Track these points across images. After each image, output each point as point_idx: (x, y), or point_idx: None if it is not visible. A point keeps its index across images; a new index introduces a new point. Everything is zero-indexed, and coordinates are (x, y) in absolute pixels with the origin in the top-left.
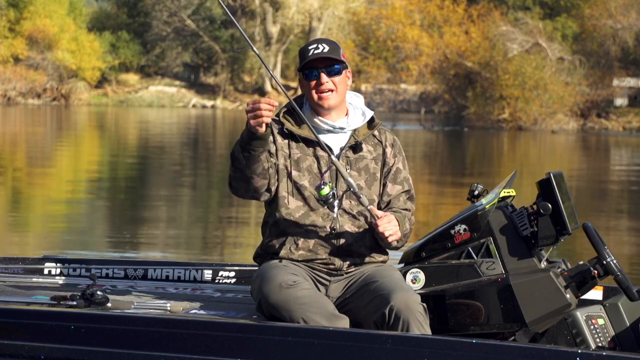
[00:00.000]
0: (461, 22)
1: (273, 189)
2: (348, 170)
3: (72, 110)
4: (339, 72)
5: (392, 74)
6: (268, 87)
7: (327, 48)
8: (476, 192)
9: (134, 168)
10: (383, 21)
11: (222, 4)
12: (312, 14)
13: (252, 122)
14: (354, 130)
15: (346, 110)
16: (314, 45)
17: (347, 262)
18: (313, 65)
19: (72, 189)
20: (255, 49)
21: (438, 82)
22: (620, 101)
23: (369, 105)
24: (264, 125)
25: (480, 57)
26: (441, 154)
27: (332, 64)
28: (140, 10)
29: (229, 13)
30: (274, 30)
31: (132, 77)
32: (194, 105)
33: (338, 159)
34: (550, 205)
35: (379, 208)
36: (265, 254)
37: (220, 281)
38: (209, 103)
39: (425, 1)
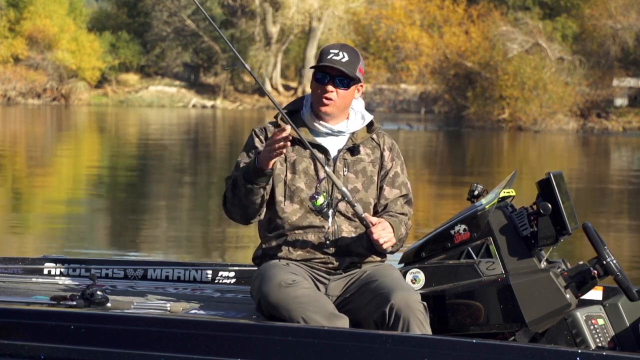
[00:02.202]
0: (461, 22)
1: (262, 216)
2: (345, 172)
3: (72, 110)
4: (346, 86)
5: (392, 74)
6: (268, 87)
7: (345, 59)
8: (476, 192)
9: (134, 168)
10: (383, 21)
11: (210, 19)
12: (312, 14)
13: (263, 156)
14: (353, 133)
15: (347, 114)
16: (336, 51)
17: (346, 262)
18: (325, 70)
19: (72, 189)
20: (246, 65)
21: (438, 82)
22: (620, 101)
23: (369, 105)
24: (271, 162)
25: (480, 57)
26: (441, 154)
27: (342, 76)
28: (140, 10)
29: (213, 23)
30: (274, 30)
31: (132, 77)
32: (194, 105)
33: (335, 161)
34: (550, 205)
35: (376, 211)
36: (264, 255)
37: (220, 281)
38: (209, 103)
39: (425, 1)
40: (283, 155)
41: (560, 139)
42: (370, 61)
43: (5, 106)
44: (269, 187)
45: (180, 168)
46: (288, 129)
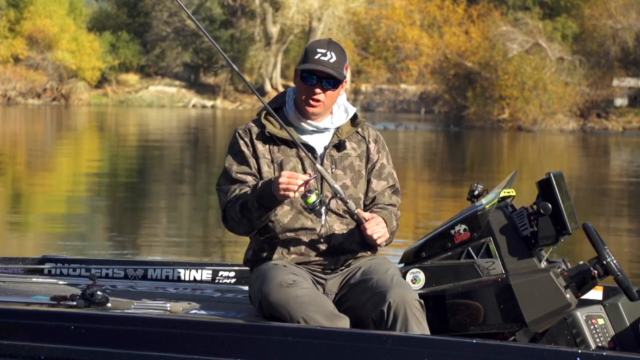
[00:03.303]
0: (461, 22)
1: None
2: (333, 170)
3: (72, 110)
4: (334, 87)
5: (392, 74)
6: (268, 87)
7: (334, 59)
8: (476, 192)
9: (133, 168)
10: (383, 21)
11: (197, 23)
12: (312, 14)
13: (280, 193)
14: (337, 129)
15: (331, 109)
16: (323, 51)
17: (341, 260)
18: (313, 71)
19: (72, 189)
20: (234, 65)
21: (438, 82)
22: (620, 101)
23: (368, 105)
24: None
25: (480, 57)
26: (441, 154)
27: (330, 78)
28: (140, 10)
29: (203, 30)
30: (274, 30)
31: (132, 77)
32: (194, 106)
33: (322, 158)
34: (550, 205)
35: (365, 204)
36: (257, 259)
37: (220, 281)
38: (208, 103)
39: (425, 1)
40: (269, 156)
41: (560, 139)
42: (370, 61)
43: (5, 106)
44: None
45: (180, 168)
46: (310, 179)
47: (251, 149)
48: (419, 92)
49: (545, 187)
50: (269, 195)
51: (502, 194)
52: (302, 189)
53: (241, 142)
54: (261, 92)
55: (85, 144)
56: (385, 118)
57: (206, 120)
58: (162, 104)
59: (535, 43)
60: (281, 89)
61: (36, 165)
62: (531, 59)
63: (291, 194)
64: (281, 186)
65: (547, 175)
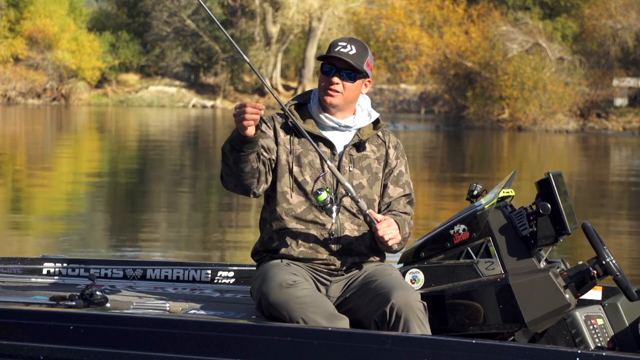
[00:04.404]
0: (461, 22)
1: (261, 189)
2: (351, 168)
3: (72, 110)
4: (352, 79)
5: (392, 74)
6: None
7: (353, 51)
8: (475, 192)
9: (133, 168)
10: (383, 21)
11: (212, 15)
12: (312, 14)
13: (237, 125)
14: (359, 130)
15: (354, 109)
16: (344, 44)
17: (348, 262)
18: (332, 62)
19: (72, 189)
20: (246, 57)
21: (438, 82)
22: (620, 101)
23: None
24: (252, 128)
25: (480, 57)
26: (441, 153)
27: (349, 69)
28: (140, 10)
29: (217, 21)
30: (274, 30)
31: (132, 77)
32: (194, 105)
33: (341, 157)
34: (549, 205)
35: (379, 209)
36: (265, 251)
37: (219, 281)
38: (209, 103)
39: (425, 1)
40: (289, 146)
41: (560, 139)
42: None
43: (5, 106)
44: (267, 155)
45: (180, 167)
46: (261, 107)
47: (272, 132)
48: (419, 92)
49: (544, 187)
50: (236, 135)
51: (501, 194)
52: (256, 116)
53: (264, 125)
54: (261, 91)
55: (85, 144)
56: (385, 118)
57: (206, 120)
58: (162, 104)
59: (535, 43)
60: (281, 89)
61: (36, 165)
62: (531, 59)
63: (245, 123)
64: (235, 118)
65: (546, 176)
